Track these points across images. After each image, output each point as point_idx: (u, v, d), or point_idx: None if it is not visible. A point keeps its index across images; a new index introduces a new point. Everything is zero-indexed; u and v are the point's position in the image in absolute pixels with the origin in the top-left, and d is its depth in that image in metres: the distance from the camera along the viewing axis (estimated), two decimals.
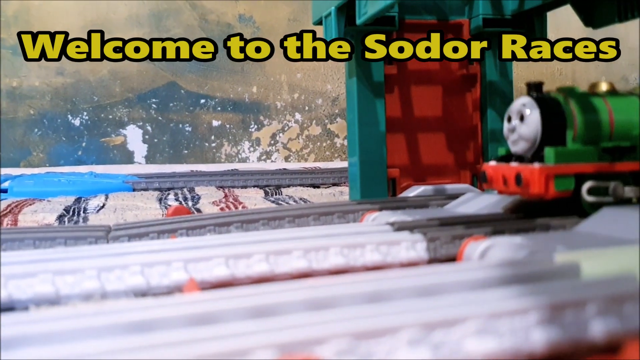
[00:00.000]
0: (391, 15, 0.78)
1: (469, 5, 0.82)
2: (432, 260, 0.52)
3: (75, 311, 0.33)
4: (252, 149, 1.74)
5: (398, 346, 0.27)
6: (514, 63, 0.85)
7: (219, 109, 1.72)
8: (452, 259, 0.51)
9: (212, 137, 1.72)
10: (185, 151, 1.70)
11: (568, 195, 0.56)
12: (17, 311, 0.44)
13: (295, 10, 1.73)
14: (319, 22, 0.80)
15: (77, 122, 1.66)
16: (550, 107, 0.57)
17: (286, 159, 1.75)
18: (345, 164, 1.58)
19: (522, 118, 0.58)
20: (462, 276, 0.36)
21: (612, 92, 0.61)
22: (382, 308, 0.30)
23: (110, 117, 1.67)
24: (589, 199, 0.56)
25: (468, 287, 0.35)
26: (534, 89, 0.59)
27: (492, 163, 0.61)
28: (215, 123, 1.72)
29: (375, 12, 0.64)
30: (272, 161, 1.74)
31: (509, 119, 0.59)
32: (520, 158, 0.59)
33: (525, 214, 0.61)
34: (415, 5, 0.81)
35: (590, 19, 0.74)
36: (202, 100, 1.71)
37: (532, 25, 0.80)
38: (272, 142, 1.75)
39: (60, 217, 0.87)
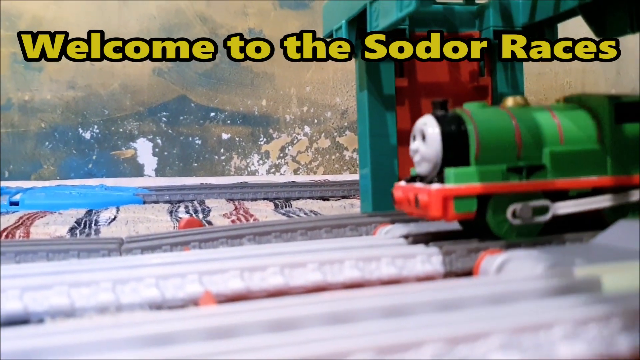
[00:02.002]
0: (402, 28, 0.78)
1: (479, 18, 0.82)
2: (448, 274, 0.51)
3: (93, 324, 0.32)
4: (261, 161, 1.74)
5: None
6: (525, 76, 0.85)
7: (229, 122, 1.72)
8: (468, 272, 0.51)
9: (222, 150, 1.72)
10: (195, 164, 1.71)
11: (471, 217, 0.53)
12: (32, 323, 0.44)
13: (304, 24, 1.74)
14: (329, 35, 0.80)
15: (87, 135, 1.67)
16: (452, 125, 0.54)
17: (295, 171, 1.75)
18: (354, 177, 1.57)
19: (424, 138, 0.55)
20: (482, 290, 0.36)
21: (524, 107, 0.58)
22: (404, 322, 0.29)
23: (121, 130, 1.68)
24: (515, 222, 0.53)
25: (489, 302, 0.34)
26: (439, 106, 0.56)
27: (402, 183, 0.58)
28: (224, 136, 1.72)
29: (386, 26, 0.64)
30: (281, 174, 1.74)
31: (414, 139, 0.57)
32: (425, 179, 0.56)
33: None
34: (425, 18, 0.81)
35: (602, 30, 0.74)
36: (212, 114, 1.71)
37: (543, 37, 0.80)
38: (281, 155, 1.75)
39: (72, 230, 0.87)
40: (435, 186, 0.53)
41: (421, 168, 0.56)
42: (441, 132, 0.54)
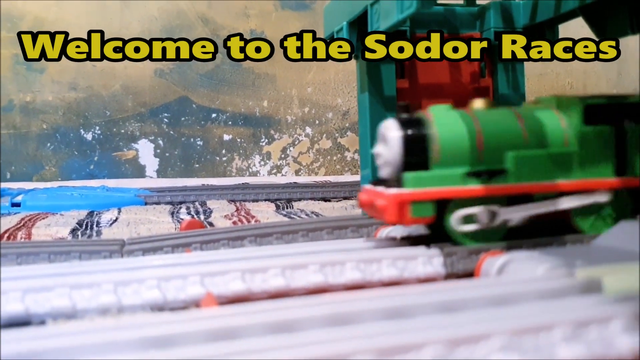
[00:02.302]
0: (403, 29, 0.78)
1: (480, 19, 0.82)
2: (449, 276, 0.51)
3: (95, 325, 0.33)
4: (262, 162, 1.74)
5: None
6: (526, 77, 0.85)
7: (230, 123, 1.72)
8: (469, 274, 0.51)
9: (223, 151, 1.72)
10: (197, 165, 1.71)
11: (429, 222, 0.53)
12: (34, 325, 0.44)
13: (305, 26, 1.74)
14: (330, 37, 0.80)
15: (89, 136, 1.67)
16: (412, 129, 0.54)
17: (297, 172, 1.75)
18: (355, 178, 1.57)
19: (386, 141, 0.55)
20: (483, 292, 0.36)
21: (490, 110, 0.57)
22: (405, 324, 0.29)
23: (123, 131, 1.68)
24: (462, 228, 0.53)
25: (489, 303, 0.34)
26: (402, 110, 0.56)
27: (368, 187, 0.58)
28: (226, 137, 1.72)
29: (387, 27, 0.64)
30: (282, 175, 1.74)
31: (378, 142, 0.57)
32: (388, 182, 0.55)
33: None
34: (426, 20, 0.81)
35: (603, 31, 0.74)
36: (214, 115, 1.72)
37: (543, 39, 0.80)
38: (283, 155, 1.75)
39: (73, 231, 0.87)
40: (392, 190, 0.52)
41: (384, 172, 0.56)
42: (401, 135, 0.54)
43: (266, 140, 1.74)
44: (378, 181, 0.58)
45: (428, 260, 0.52)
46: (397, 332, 0.28)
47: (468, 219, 0.53)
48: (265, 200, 1.25)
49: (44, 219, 0.99)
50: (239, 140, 1.73)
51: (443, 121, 0.55)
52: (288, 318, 0.31)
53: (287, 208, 1.12)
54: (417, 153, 0.54)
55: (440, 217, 0.53)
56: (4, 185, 1.43)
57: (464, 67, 0.82)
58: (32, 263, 0.60)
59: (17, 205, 1.15)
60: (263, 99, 1.73)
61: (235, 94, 1.72)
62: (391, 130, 0.55)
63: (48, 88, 1.64)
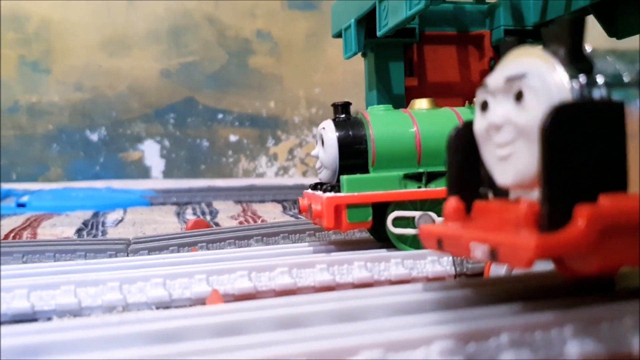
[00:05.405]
0: (411, 27, 0.77)
1: (489, 17, 0.81)
2: (458, 275, 0.51)
3: (100, 320, 0.32)
4: (269, 164, 1.74)
5: (432, 358, 0.26)
6: None
7: (237, 124, 1.72)
8: (479, 273, 0.50)
9: (230, 152, 1.72)
10: (203, 166, 1.71)
11: (368, 227, 0.51)
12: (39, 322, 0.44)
13: (313, 25, 1.74)
14: (338, 35, 0.79)
15: (95, 137, 1.67)
16: (349, 130, 0.52)
17: (304, 174, 1.75)
18: None
19: (323, 143, 0.53)
20: (491, 289, 0.35)
21: (430, 111, 0.56)
22: (414, 319, 0.29)
23: (129, 132, 1.68)
24: (396, 230, 0.51)
25: (499, 300, 0.34)
26: (341, 110, 0.54)
27: (308, 191, 0.56)
28: (232, 138, 1.72)
29: (396, 24, 0.64)
30: (289, 176, 1.73)
31: (317, 143, 0.55)
32: (327, 186, 0.53)
33: None
34: (435, 17, 0.80)
35: (614, 30, 0.73)
36: (220, 115, 1.71)
37: None
38: (290, 157, 1.75)
39: (79, 231, 0.87)
40: (328, 195, 0.51)
41: (322, 175, 0.54)
42: (338, 137, 0.52)
43: (273, 142, 1.74)
44: (315, 185, 0.56)
45: (437, 259, 0.51)
46: (406, 327, 0.27)
47: (407, 223, 0.52)
48: (272, 201, 1.25)
49: (49, 219, 0.99)
50: (245, 141, 1.72)
51: (381, 122, 0.53)
52: (295, 313, 0.31)
53: (294, 209, 1.12)
54: (355, 155, 0.52)
55: (382, 221, 0.52)
56: (10, 186, 1.43)
57: (473, 65, 0.81)
58: (38, 261, 0.60)
59: (23, 205, 1.15)
60: (270, 99, 1.73)
61: (242, 94, 1.72)
62: (328, 132, 0.53)
63: (54, 89, 1.64)
